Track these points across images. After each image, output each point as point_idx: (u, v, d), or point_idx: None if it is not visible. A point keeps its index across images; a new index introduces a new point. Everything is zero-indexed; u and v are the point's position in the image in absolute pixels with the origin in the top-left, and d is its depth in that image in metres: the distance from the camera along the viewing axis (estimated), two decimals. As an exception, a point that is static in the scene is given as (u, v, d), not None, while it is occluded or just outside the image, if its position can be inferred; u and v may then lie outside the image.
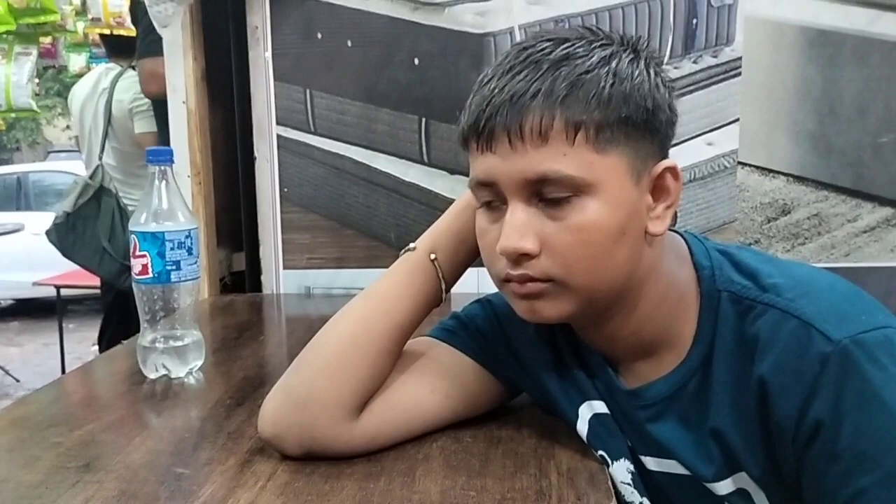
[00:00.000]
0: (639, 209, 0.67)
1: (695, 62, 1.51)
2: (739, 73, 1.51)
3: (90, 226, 2.27)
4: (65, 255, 2.33)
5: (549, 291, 0.67)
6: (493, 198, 0.68)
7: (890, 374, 0.61)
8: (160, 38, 1.49)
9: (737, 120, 1.53)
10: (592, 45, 0.66)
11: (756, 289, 0.68)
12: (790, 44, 1.51)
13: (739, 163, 1.54)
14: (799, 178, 1.54)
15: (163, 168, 1.02)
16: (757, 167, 1.54)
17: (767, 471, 0.67)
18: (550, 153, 0.63)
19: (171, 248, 1.00)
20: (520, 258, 0.66)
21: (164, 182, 1.01)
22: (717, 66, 1.51)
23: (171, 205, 1.02)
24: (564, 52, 0.64)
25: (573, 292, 0.66)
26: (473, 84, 0.69)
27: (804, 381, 0.62)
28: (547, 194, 0.64)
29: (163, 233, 1.00)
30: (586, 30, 0.68)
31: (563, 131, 0.63)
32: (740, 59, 1.51)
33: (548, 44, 0.66)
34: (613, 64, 0.64)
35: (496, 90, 0.65)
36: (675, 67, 1.51)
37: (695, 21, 1.50)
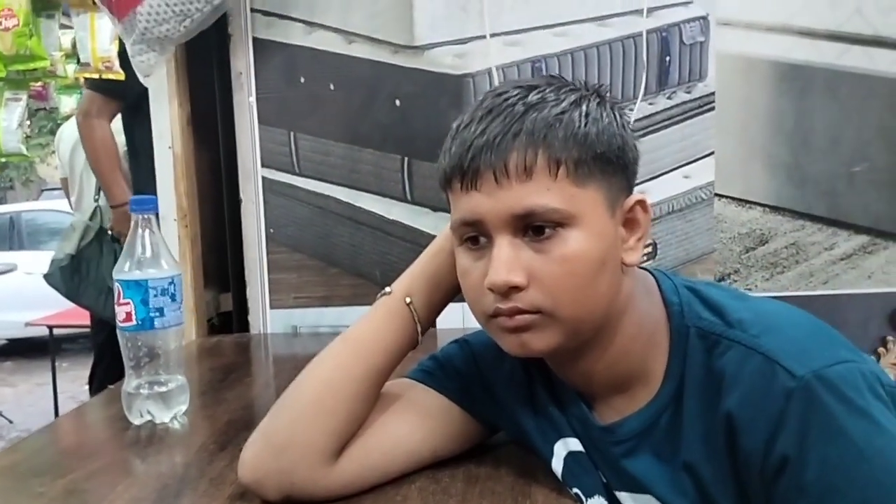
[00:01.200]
0: (615, 241, 0.70)
1: (669, 98, 1.54)
2: (713, 108, 1.55)
3: (94, 267, 2.28)
4: (69, 297, 2.34)
5: (537, 323, 0.68)
6: (476, 235, 0.70)
7: (853, 408, 0.62)
8: None
9: (712, 153, 1.56)
10: (561, 91, 0.70)
11: (722, 324, 0.70)
12: (762, 78, 1.55)
13: (716, 194, 1.57)
14: (775, 209, 1.57)
15: (146, 216, 1.03)
16: (733, 198, 1.57)
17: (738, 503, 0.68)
18: (535, 188, 0.66)
19: (155, 295, 1.01)
20: (509, 291, 0.67)
21: (147, 230, 1.03)
22: (691, 101, 1.55)
23: (155, 252, 1.03)
24: (538, 96, 0.68)
25: (560, 323, 0.68)
26: (451, 126, 0.72)
27: (769, 416, 0.64)
28: (532, 228, 0.67)
29: (146, 280, 1.01)
30: (552, 77, 0.73)
31: (546, 167, 0.66)
32: (713, 93, 1.55)
33: (519, 90, 0.70)
34: (584, 107, 0.69)
35: (477, 132, 0.68)
36: (650, 104, 1.54)
37: (668, 58, 1.53)
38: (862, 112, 1.53)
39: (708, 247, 1.57)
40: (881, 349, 1.57)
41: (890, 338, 1.57)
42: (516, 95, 0.69)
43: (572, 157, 0.67)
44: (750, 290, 1.57)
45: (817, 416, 0.62)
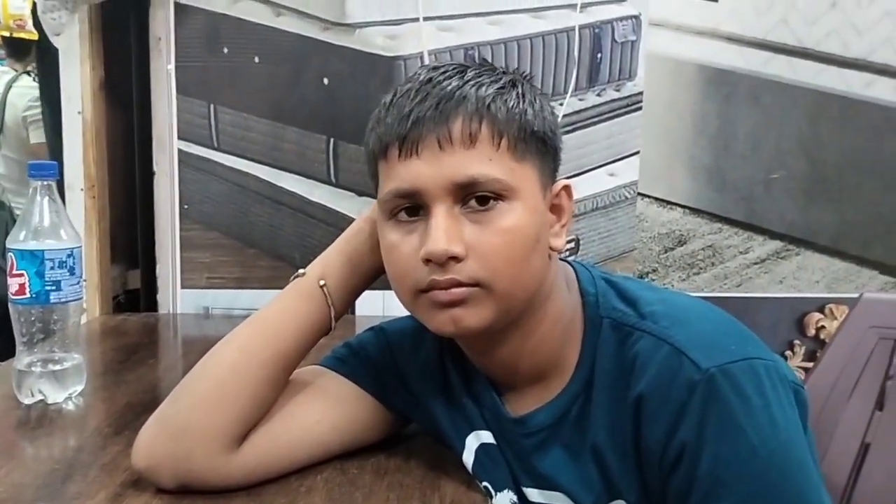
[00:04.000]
0: (545, 222, 0.70)
1: (598, 95, 1.55)
2: (641, 108, 1.56)
3: None
4: None
5: (473, 297, 0.67)
6: (410, 206, 0.68)
7: (751, 405, 0.63)
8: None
9: (637, 152, 1.57)
10: (496, 72, 0.70)
11: (635, 316, 0.71)
12: (689, 81, 1.57)
13: (639, 194, 1.58)
14: (695, 211, 1.60)
15: (46, 183, 0.97)
16: (656, 198, 1.59)
17: (641, 498, 0.68)
18: (477, 157, 0.65)
19: (52, 268, 0.96)
20: (447, 262, 0.66)
21: (46, 198, 0.97)
22: (620, 99, 1.56)
23: (54, 222, 0.97)
24: (473, 73, 0.68)
25: (495, 298, 0.67)
26: (382, 100, 0.70)
27: (672, 407, 0.64)
28: (473, 199, 0.66)
29: (42, 251, 0.95)
30: (484, 61, 0.73)
31: (490, 136, 0.66)
32: (641, 93, 1.56)
33: (455, 66, 0.70)
34: (519, 88, 0.69)
35: (417, 100, 0.66)
36: (580, 99, 1.55)
37: (599, 55, 1.54)
38: (782, 121, 1.57)
39: (629, 245, 1.59)
40: (788, 352, 1.62)
41: (797, 342, 1.62)
42: (454, 69, 0.69)
43: (513, 131, 0.67)
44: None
45: (716, 410, 0.63)
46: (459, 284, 0.66)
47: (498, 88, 0.68)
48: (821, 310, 1.62)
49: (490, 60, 0.74)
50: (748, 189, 1.59)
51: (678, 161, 1.59)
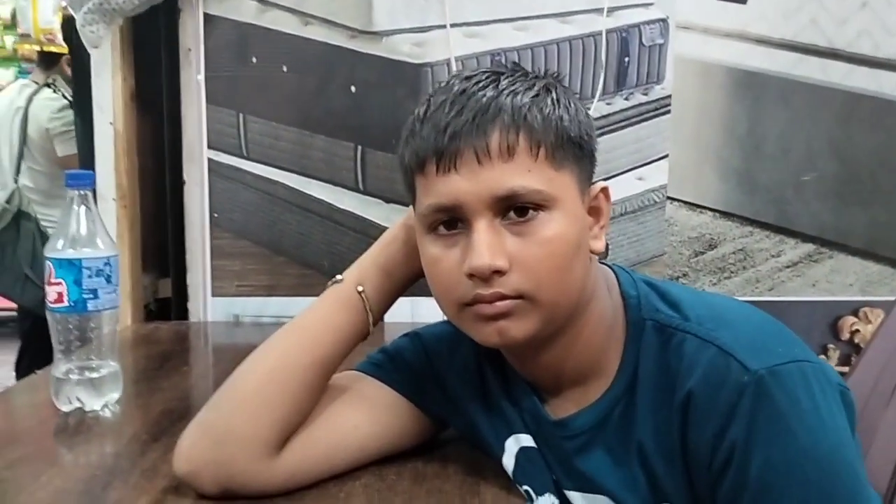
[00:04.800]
0: (585, 226, 0.70)
1: (626, 99, 1.54)
2: (669, 111, 1.55)
3: (10, 252, 2.18)
4: None
5: (517, 309, 0.66)
6: (449, 220, 0.68)
7: (802, 408, 0.62)
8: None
9: (666, 156, 1.56)
10: (529, 77, 0.69)
11: (679, 318, 0.70)
12: (718, 84, 1.56)
13: (668, 198, 1.57)
14: (725, 214, 1.58)
15: (82, 192, 0.98)
16: (685, 202, 1.58)
17: (689, 501, 0.67)
18: (516, 169, 0.65)
19: (89, 276, 0.96)
20: (491, 276, 0.65)
21: (83, 207, 0.98)
22: (648, 103, 1.55)
23: (90, 230, 0.98)
24: (507, 80, 0.68)
25: (540, 308, 0.67)
26: (415, 111, 0.70)
27: (721, 410, 0.63)
28: (513, 210, 0.66)
29: (80, 260, 0.96)
30: (515, 65, 0.72)
31: (528, 148, 0.65)
32: (670, 97, 1.55)
33: (489, 74, 0.69)
34: (553, 93, 0.69)
35: (453, 113, 0.66)
36: (608, 104, 1.54)
37: (627, 59, 1.53)
38: (813, 122, 1.55)
39: (658, 249, 1.58)
40: (822, 356, 1.59)
41: (831, 346, 1.60)
42: (487, 78, 0.68)
43: (550, 139, 0.66)
44: (697, 294, 1.58)
45: (766, 412, 0.62)
46: (504, 297, 0.66)
47: (533, 96, 0.67)
48: (855, 313, 1.60)
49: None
50: (779, 191, 1.57)
51: (707, 164, 1.57)
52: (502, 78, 0.68)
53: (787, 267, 1.58)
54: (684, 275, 1.59)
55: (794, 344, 0.68)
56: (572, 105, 0.70)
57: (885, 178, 1.57)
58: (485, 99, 0.66)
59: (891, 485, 1.10)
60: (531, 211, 0.66)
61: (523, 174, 0.65)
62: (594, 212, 0.72)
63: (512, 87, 0.67)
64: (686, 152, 1.57)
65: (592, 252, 0.71)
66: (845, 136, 1.56)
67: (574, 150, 0.68)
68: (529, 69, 0.72)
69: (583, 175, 0.70)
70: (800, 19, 1.53)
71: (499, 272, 0.65)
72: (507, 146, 0.65)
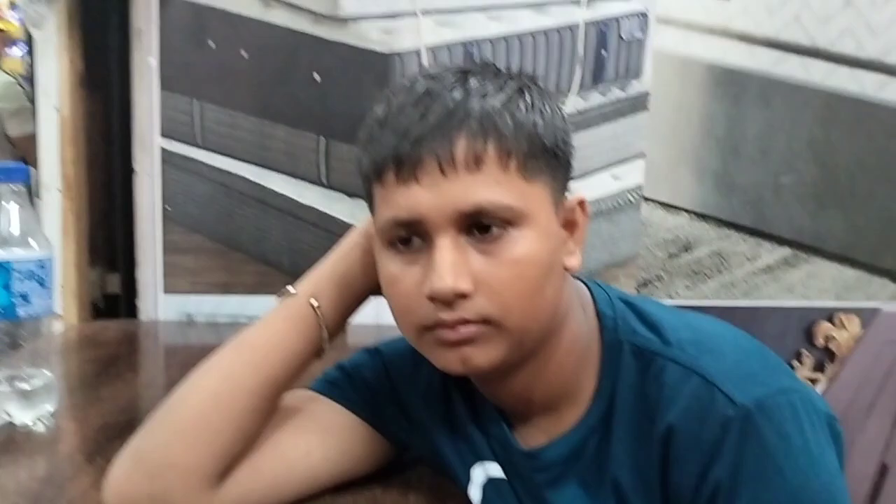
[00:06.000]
0: (559, 243, 0.64)
1: (603, 94, 1.49)
2: (647, 108, 1.50)
3: None
4: None
5: (482, 335, 0.61)
6: (409, 236, 0.61)
7: (791, 445, 0.58)
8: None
9: (643, 155, 1.51)
10: (499, 77, 0.63)
11: (659, 342, 0.65)
12: (697, 81, 1.51)
13: (644, 198, 1.52)
14: (701, 216, 1.54)
15: (15, 187, 0.90)
16: (661, 203, 1.53)
17: None
18: (484, 181, 0.59)
19: (20, 280, 0.89)
20: (454, 300, 0.59)
21: (13, 203, 0.90)
22: (625, 99, 1.50)
23: (23, 230, 0.90)
24: (477, 81, 0.61)
25: (507, 334, 0.61)
26: (374, 111, 0.63)
27: (705, 446, 0.60)
28: (479, 227, 0.60)
29: (10, 262, 0.88)
30: (486, 63, 0.66)
31: (497, 158, 0.59)
32: (648, 93, 1.50)
33: (456, 74, 0.62)
34: (527, 97, 0.62)
35: (416, 117, 0.59)
36: (584, 99, 1.48)
37: (604, 53, 1.48)
38: (793, 123, 1.52)
39: (632, 251, 1.53)
40: (796, 362, 1.57)
41: (805, 351, 1.57)
42: (454, 79, 0.61)
43: (522, 148, 0.60)
44: (671, 297, 1.54)
45: (754, 450, 0.58)
46: (468, 322, 0.60)
47: (504, 101, 0.61)
48: (830, 319, 1.57)
49: (491, 58, 0.67)
50: (757, 194, 1.54)
51: (684, 164, 1.53)
52: (471, 78, 0.62)
53: (763, 271, 1.55)
54: (658, 277, 1.54)
55: (780, 371, 0.64)
56: (547, 108, 0.63)
57: (864, 182, 1.54)
58: (451, 102, 0.59)
59: (868, 500, 1.07)
60: (499, 228, 0.60)
61: (491, 187, 0.59)
62: (569, 225, 0.66)
63: (482, 89, 0.61)
64: (663, 151, 1.52)
65: (566, 269, 0.66)
66: (825, 139, 1.52)
67: (548, 159, 0.62)
68: (502, 65, 0.65)
69: (557, 186, 0.64)
70: (783, 16, 1.48)
71: (462, 295, 0.59)
72: (473, 155, 0.58)
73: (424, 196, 0.59)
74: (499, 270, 0.60)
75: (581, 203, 0.67)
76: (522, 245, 0.60)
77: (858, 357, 1.08)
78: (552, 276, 0.63)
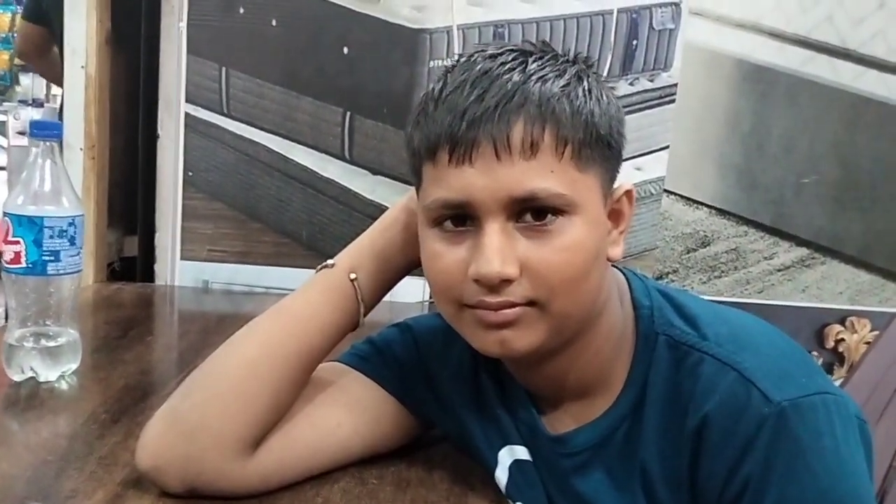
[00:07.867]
0: (605, 232, 0.64)
1: (631, 84, 1.48)
2: (674, 100, 1.49)
3: None
4: None
5: (525, 317, 0.61)
6: (457, 216, 0.62)
7: (823, 445, 0.59)
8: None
9: (667, 147, 1.50)
10: (559, 61, 0.62)
11: (695, 335, 0.65)
12: (725, 75, 1.50)
13: (665, 190, 1.52)
14: (721, 211, 1.54)
15: (48, 143, 0.90)
16: (681, 196, 1.53)
17: None
18: (538, 168, 0.59)
19: (51, 237, 0.88)
20: (500, 284, 0.60)
21: (48, 160, 0.89)
22: (653, 90, 1.49)
23: (55, 187, 0.90)
24: (537, 64, 0.61)
25: (548, 318, 0.62)
26: (430, 88, 0.63)
27: (737, 441, 0.60)
28: (530, 213, 0.60)
29: (42, 218, 0.88)
30: (544, 44, 0.65)
31: (553, 145, 0.59)
32: (676, 85, 1.49)
33: (516, 54, 0.62)
34: (585, 83, 0.62)
35: (473, 97, 0.59)
36: (612, 87, 1.47)
37: (635, 42, 1.46)
38: (818, 123, 1.51)
39: (651, 243, 1.53)
40: (805, 364, 1.57)
41: (814, 353, 1.57)
42: (514, 60, 0.61)
43: (578, 137, 0.60)
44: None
45: (786, 448, 0.58)
46: (512, 305, 0.60)
47: (563, 85, 0.60)
48: (841, 322, 1.57)
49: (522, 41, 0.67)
50: (777, 192, 1.53)
51: (707, 158, 1.52)
52: (530, 60, 0.61)
53: (779, 270, 1.55)
54: (675, 271, 1.54)
55: (816, 373, 0.64)
56: (604, 96, 0.63)
57: (886, 186, 1.53)
58: (510, 84, 0.59)
59: (879, 500, 1.07)
60: (550, 215, 0.60)
61: (545, 175, 0.59)
62: (615, 215, 0.66)
63: (541, 73, 0.60)
64: (686, 145, 1.51)
65: (609, 259, 0.66)
66: (850, 141, 1.51)
67: (602, 149, 0.62)
68: (562, 52, 0.65)
69: (608, 176, 0.64)
70: (815, 15, 1.47)
71: (508, 281, 0.60)
72: (531, 142, 0.58)
73: (479, 180, 0.59)
74: (546, 256, 0.60)
75: (628, 193, 0.67)
76: (571, 233, 0.60)
77: (871, 361, 1.09)
78: (597, 264, 0.63)
